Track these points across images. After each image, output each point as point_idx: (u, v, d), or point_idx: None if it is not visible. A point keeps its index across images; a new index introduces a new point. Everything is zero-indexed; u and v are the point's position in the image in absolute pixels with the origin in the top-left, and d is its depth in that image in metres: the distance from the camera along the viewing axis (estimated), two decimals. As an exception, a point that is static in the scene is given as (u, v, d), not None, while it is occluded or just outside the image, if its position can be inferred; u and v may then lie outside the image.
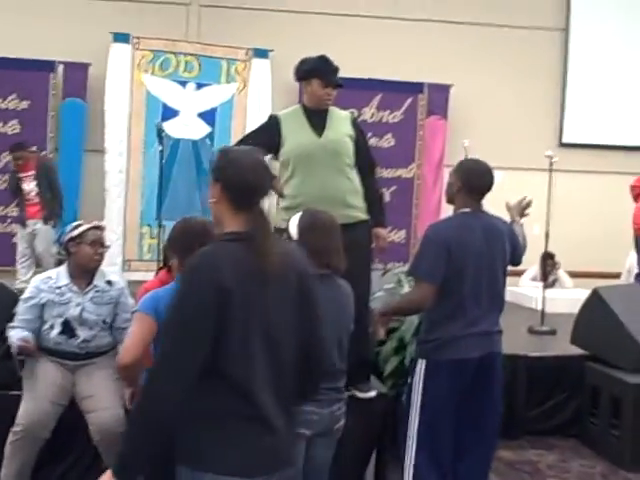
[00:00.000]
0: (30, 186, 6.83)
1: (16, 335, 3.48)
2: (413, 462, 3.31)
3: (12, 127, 7.30)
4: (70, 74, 7.34)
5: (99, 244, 3.70)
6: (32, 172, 6.79)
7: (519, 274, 7.98)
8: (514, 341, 5.35)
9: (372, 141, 7.79)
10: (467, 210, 3.37)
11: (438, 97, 8.04)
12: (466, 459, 3.37)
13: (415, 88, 8.02)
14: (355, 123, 4.15)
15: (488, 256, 3.32)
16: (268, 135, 4.04)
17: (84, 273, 3.71)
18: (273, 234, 2.12)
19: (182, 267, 2.83)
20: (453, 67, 7.98)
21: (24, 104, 7.31)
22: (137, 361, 2.77)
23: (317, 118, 4.00)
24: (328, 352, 2.88)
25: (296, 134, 3.98)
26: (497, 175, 9.30)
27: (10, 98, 7.28)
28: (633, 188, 6.53)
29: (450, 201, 3.49)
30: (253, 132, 4.38)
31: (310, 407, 2.85)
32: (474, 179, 3.38)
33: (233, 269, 1.98)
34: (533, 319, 6.23)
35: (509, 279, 8.30)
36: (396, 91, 7.95)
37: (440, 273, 3.24)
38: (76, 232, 3.70)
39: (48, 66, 7.31)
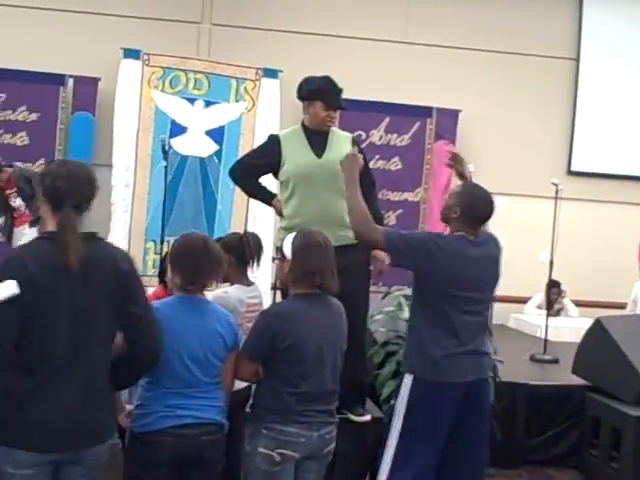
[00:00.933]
0: (17, 202, 6.85)
1: None
2: None
3: (21, 139, 7.30)
4: (80, 88, 7.35)
5: None
6: (15, 188, 6.81)
7: (524, 301, 7.95)
8: (516, 369, 5.32)
9: (379, 164, 7.81)
10: (464, 234, 3.29)
11: (446, 122, 8.02)
12: None
13: (424, 112, 8.00)
14: (356, 144, 4.13)
15: (480, 282, 3.28)
16: (268, 155, 4.04)
17: None
18: (77, 235, 2.36)
19: (185, 284, 2.82)
20: (462, 92, 7.97)
21: (33, 116, 7.33)
22: None
23: (317, 138, 3.98)
24: (319, 372, 2.87)
25: (296, 154, 3.97)
26: (500, 201, 9.27)
27: (20, 110, 7.27)
28: None
29: (446, 221, 3.42)
30: (253, 151, 4.38)
31: (297, 429, 2.83)
32: (475, 209, 3.29)
33: (38, 263, 2.28)
34: (536, 347, 6.17)
35: (515, 306, 8.33)
36: (404, 115, 7.93)
37: (405, 260, 3.21)
38: None
39: (58, 79, 7.32)
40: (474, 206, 3.29)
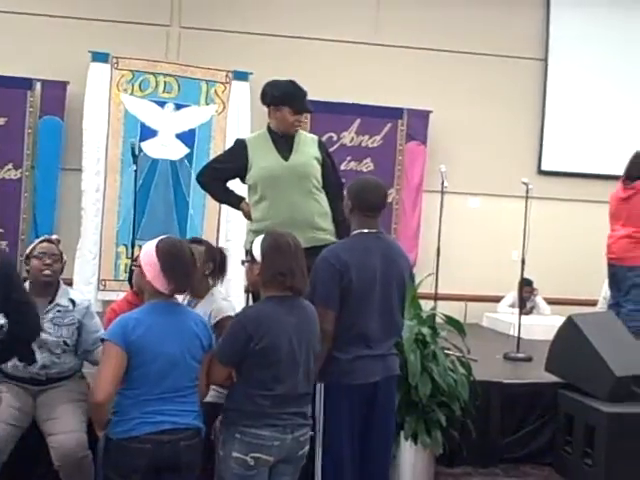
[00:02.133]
0: None
1: None
2: None
3: (-12, 143, 7.22)
4: (48, 92, 7.24)
5: (47, 256, 3.62)
6: None
7: (497, 300, 7.99)
8: (489, 367, 5.34)
9: (351, 165, 7.83)
10: (364, 230, 3.34)
11: (417, 123, 8.04)
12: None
13: (395, 113, 8.02)
14: (322, 146, 4.19)
15: (383, 279, 3.29)
16: (235, 159, 4.09)
17: (41, 289, 3.63)
18: None
19: (174, 290, 2.80)
20: (433, 93, 8.01)
21: (1, 121, 7.20)
22: (110, 398, 2.70)
23: (283, 142, 4.03)
24: (293, 375, 2.86)
25: (263, 158, 4.01)
26: (473, 201, 9.33)
27: (-14, 115, 7.21)
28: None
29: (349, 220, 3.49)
30: (221, 155, 4.41)
31: (271, 432, 2.81)
32: (363, 196, 3.34)
33: None
34: (509, 345, 6.20)
35: (488, 305, 8.35)
36: (375, 116, 7.94)
37: (338, 299, 3.21)
38: (29, 249, 3.70)
39: (26, 84, 7.21)
40: (362, 195, 3.34)
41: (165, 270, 2.79)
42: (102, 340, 2.76)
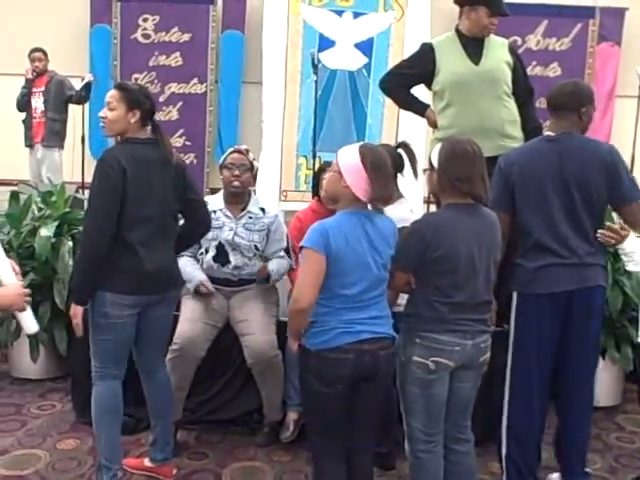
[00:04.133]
0: (37, 103, 6.97)
1: (195, 274, 3.73)
2: (507, 407, 3.28)
3: (175, 59, 7.49)
4: (229, 6, 7.39)
5: (236, 167, 3.76)
6: (43, 88, 6.95)
7: None
8: None
9: (537, 70, 7.43)
10: (550, 133, 3.18)
11: (611, 22, 7.45)
12: (566, 395, 3.28)
13: (586, 12, 7.46)
14: (512, 50, 3.97)
15: (561, 184, 3.11)
16: (421, 64, 3.96)
17: (234, 198, 3.83)
18: (167, 139, 3.13)
19: (375, 198, 2.75)
20: (629, -11, 7.38)
21: (186, 37, 7.46)
22: (313, 305, 2.66)
23: (473, 45, 3.86)
24: (471, 283, 2.80)
25: (451, 62, 3.85)
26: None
27: (173, 31, 7.45)
28: None
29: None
30: (406, 61, 4.26)
31: (452, 338, 2.79)
32: (552, 93, 3.20)
33: (129, 159, 2.95)
34: None
35: None
36: (564, 16, 7.43)
37: (508, 200, 3.18)
38: (221, 159, 3.87)
39: (210, -1, 7.41)
40: (551, 92, 3.22)
41: (371, 176, 2.71)
42: (301, 248, 2.71)
